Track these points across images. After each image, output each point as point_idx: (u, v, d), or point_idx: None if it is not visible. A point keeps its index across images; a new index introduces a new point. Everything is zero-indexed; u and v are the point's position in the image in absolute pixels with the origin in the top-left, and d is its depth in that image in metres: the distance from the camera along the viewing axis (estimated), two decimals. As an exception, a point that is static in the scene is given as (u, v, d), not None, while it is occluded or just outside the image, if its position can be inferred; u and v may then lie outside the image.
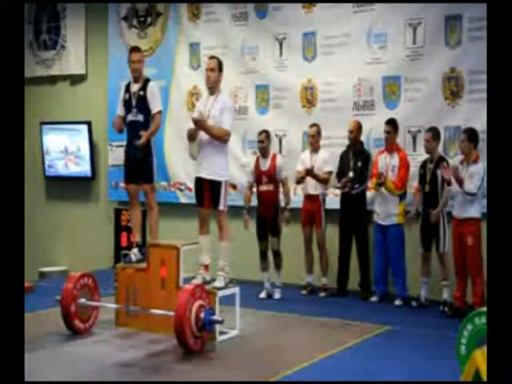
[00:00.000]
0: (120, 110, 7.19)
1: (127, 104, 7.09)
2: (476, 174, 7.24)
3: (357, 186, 8.26)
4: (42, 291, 8.71)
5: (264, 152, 8.25)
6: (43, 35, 11.41)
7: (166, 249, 6.75)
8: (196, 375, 5.51)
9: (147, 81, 7.15)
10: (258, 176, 8.22)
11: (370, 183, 8.27)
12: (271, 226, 8.20)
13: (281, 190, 8.24)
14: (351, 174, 8.27)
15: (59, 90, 11.38)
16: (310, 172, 8.30)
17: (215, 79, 6.63)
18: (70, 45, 11.14)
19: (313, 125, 8.54)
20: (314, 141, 8.50)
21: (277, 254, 8.29)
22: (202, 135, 6.53)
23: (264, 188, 8.19)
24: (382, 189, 8.00)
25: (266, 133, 8.30)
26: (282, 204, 8.25)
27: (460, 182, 7.23)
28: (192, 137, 6.60)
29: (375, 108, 8.61)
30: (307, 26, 9.04)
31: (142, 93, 7.05)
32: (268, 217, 8.20)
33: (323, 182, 8.40)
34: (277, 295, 8.33)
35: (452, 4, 8.04)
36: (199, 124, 6.41)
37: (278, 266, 8.34)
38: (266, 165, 8.20)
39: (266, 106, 9.42)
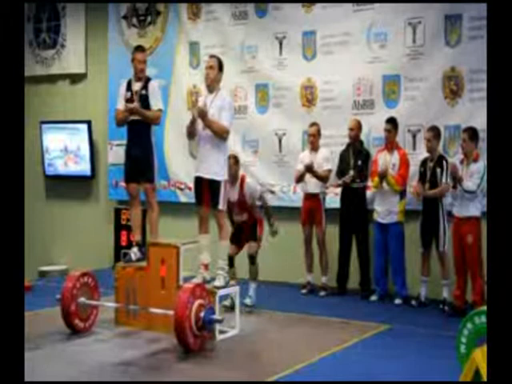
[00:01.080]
0: (121, 105, 7.18)
1: (128, 102, 7.09)
2: (476, 173, 7.25)
3: (357, 180, 8.27)
4: (41, 290, 8.71)
5: (232, 179, 7.20)
6: (43, 34, 11.41)
7: (165, 248, 6.75)
8: (196, 374, 5.51)
9: (148, 80, 7.16)
10: (229, 206, 7.17)
11: (370, 182, 8.29)
12: (249, 233, 7.54)
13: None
14: (352, 173, 8.28)
15: (59, 89, 11.38)
16: (309, 168, 8.29)
17: (214, 77, 6.61)
18: (69, 44, 11.13)
19: (313, 124, 8.55)
20: (314, 140, 8.50)
21: (253, 261, 7.47)
22: (202, 133, 6.52)
23: (238, 218, 7.51)
24: (384, 184, 8.00)
25: (235, 158, 7.36)
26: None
27: (459, 180, 7.24)
28: (191, 134, 6.59)
29: (375, 107, 8.61)
30: (307, 25, 9.03)
31: (143, 92, 7.06)
32: (246, 227, 7.56)
33: (322, 179, 8.40)
34: (247, 301, 7.44)
35: (452, 3, 8.04)
36: (201, 114, 6.39)
37: (253, 277, 7.52)
38: (234, 194, 7.33)
39: (265, 104, 9.42)
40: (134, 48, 7.46)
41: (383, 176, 7.94)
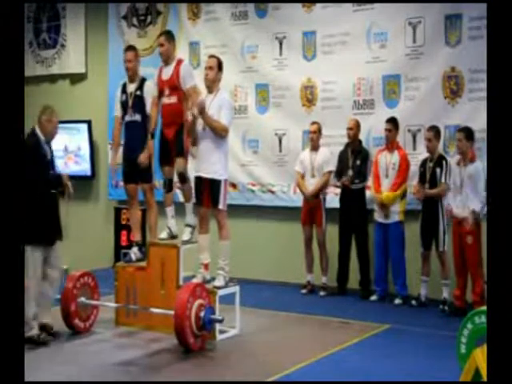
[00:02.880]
0: (117, 111, 7.19)
1: (124, 105, 7.09)
2: (476, 178, 7.24)
3: (356, 181, 8.28)
4: (41, 290, 8.69)
5: (166, 59, 6.94)
6: (43, 34, 11.40)
7: (165, 248, 6.77)
8: (196, 374, 5.52)
9: (143, 80, 7.13)
10: (161, 88, 6.92)
11: (370, 181, 8.29)
12: (175, 147, 6.86)
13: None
14: (350, 173, 8.29)
15: (59, 88, 11.38)
16: (309, 197, 8.38)
17: (213, 78, 6.60)
18: (69, 44, 11.13)
19: (314, 122, 8.56)
20: (314, 137, 8.50)
21: (183, 179, 6.93)
22: (201, 133, 6.52)
23: (166, 101, 6.89)
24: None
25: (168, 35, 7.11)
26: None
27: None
28: (190, 131, 6.59)
29: (375, 107, 8.61)
30: (307, 25, 9.03)
31: (138, 92, 7.03)
32: (171, 136, 6.87)
33: (324, 185, 8.43)
34: (187, 235, 6.94)
35: (452, 3, 8.04)
36: (201, 108, 6.36)
37: (186, 197, 7.06)
38: (168, 72, 6.89)
39: (265, 104, 9.41)
40: (124, 48, 7.48)
41: (382, 204, 8.03)
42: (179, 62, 6.96)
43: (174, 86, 6.81)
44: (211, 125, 6.41)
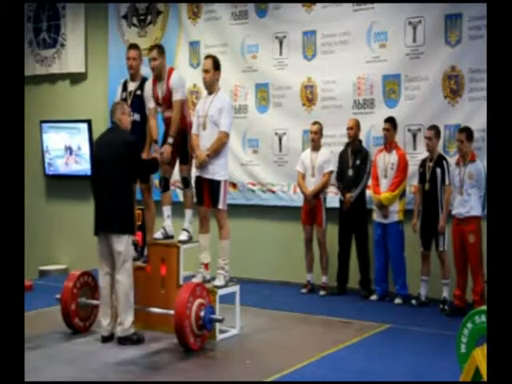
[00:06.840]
0: None
1: (124, 103, 7.06)
2: (475, 175, 7.25)
3: (353, 190, 8.28)
4: (42, 290, 8.67)
5: (158, 74, 6.87)
6: (43, 34, 11.40)
7: (166, 247, 6.77)
8: (196, 374, 5.53)
9: (144, 80, 7.09)
10: (157, 102, 6.91)
11: (370, 181, 8.30)
12: (179, 153, 6.90)
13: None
14: (351, 173, 8.30)
15: (59, 88, 11.37)
16: (309, 197, 8.39)
17: (211, 79, 6.58)
18: (69, 43, 11.13)
19: (315, 122, 8.55)
20: (316, 137, 8.49)
21: (187, 184, 6.97)
22: (202, 134, 6.54)
23: (166, 114, 6.89)
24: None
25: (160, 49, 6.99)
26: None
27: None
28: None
29: (375, 106, 8.60)
30: (307, 25, 9.03)
31: (138, 92, 7.00)
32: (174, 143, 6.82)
33: (324, 185, 8.45)
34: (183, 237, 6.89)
35: (452, 3, 8.04)
36: (204, 161, 6.48)
37: (187, 203, 7.01)
38: (162, 88, 6.83)
39: (266, 104, 9.41)
40: (127, 46, 7.44)
41: (382, 205, 8.05)
42: (169, 74, 6.83)
43: (169, 101, 6.77)
44: (216, 151, 6.46)
